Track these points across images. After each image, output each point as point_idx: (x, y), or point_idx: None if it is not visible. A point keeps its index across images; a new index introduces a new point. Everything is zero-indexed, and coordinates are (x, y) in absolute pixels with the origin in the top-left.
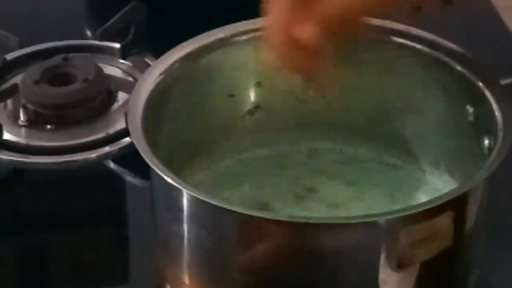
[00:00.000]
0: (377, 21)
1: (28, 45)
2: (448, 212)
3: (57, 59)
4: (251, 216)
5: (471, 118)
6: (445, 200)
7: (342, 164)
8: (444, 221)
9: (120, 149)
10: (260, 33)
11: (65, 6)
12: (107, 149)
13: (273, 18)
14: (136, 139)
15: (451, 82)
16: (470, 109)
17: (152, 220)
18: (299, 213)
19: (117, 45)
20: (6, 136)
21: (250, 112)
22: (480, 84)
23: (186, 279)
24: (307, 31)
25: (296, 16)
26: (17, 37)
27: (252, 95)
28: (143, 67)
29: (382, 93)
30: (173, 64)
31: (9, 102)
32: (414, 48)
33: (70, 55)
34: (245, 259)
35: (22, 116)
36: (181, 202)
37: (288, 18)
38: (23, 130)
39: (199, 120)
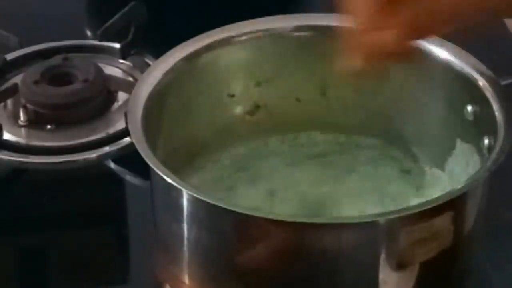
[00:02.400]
0: None
1: (28, 45)
2: (448, 212)
3: (57, 59)
4: (251, 216)
5: (471, 118)
6: (445, 200)
7: (342, 164)
8: (444, 221)
9: (120, 149)
10: (260, 33)
11: (65, 6)
12: (107, 149)
13: (357, 20)
14: (136, 139)
15: (451, 82)
16: (470, 109)
17: (152, 220)
18: (298, 212)
19: (117, 45)
20: (6, 136)
21: (250, 112)
22: (480, 84)
23: (186, 279)
24: (391, 36)
25: (381, 20)
26: (17, 37)
27: (252, 95)
28: (143, 67)
29: (381, 93)
30: (173, 64)
31: (9, 102)
32: (413, 48)
33: (70, 55)
34: (245, 259)
35: (22, 116)
36: (181, 202)
37: (373, 22)
38: (23, 130)
39: (199, 120)
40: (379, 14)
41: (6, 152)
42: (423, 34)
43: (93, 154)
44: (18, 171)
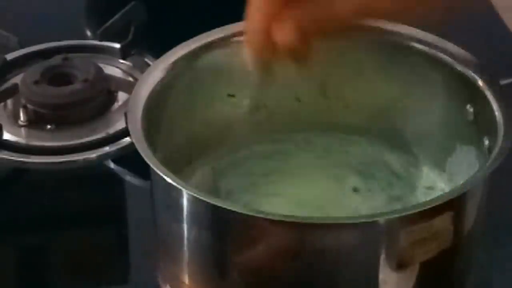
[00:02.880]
0: (376, 22)
1: (28, 45)
2: (448, 212)
3: (57, 59)
4: (251, 216)
5: (471, 118)
6: (445, 200)
7: (342, 163)
8: (444, 221)
9: (120, 149)
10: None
11: (65, 6)
12: (107, 149)
13: (253, 19)
14: (136, 139)
15: (451, 82)
16: (470, 109)
17: (152, 220)
18: (298, 213)
19: (117, 45)
20: (6, 136)
21: (250, 112)
22: (480, 84)
23: (186, 279)
24: (285, 35)
25: (276, 19)
26: (17, 37)
27: (252, 95)
28: (143, 67)
29: (382, 93)
30: (173, 64)
31: (9, 102)
32: (413, 48)
33: (70, 55)
34: (245, 259)
35: (22, 116)
36: (181, 202)
37: (268, 21)
38: (23, 130)
39: (199, 120)
40: (277, 11)
41: (6, 152)
42: (317, 33)
43: (93, 154)
44: (18, 171)
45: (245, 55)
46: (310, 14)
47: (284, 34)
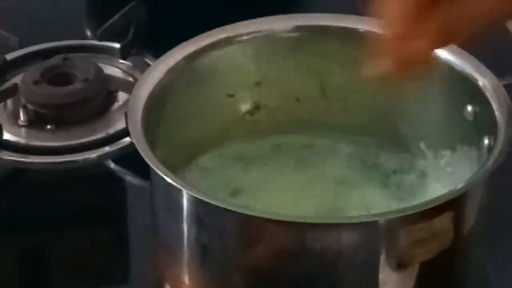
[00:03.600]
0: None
1: (28, 45)
2: (448, 212)
3: (57, 59)
4: (251, 216)
5: (471, 118)
6: (445, 200)
7: (342, 164)
8: (444, 221)
9: (120, 149)
10: (260, 33)
11: (65, 6)
12: (107, 149)
13: (391, 26)
14: (136, 139)
15: (451, 82)
16: (470, 109)
17: (152, 220)
18: (298, 213)
19: (117, 45)
20: (6, 136)
21: (250, 112)
22: (480, 84)
23: (186, 279)
24: (423, 45)
25: (413, 26)
26: (17, 37)
27: (252, 95)
28: (143, 67)
29: (382, 93)
30: (173, 64)
31: (9, 102)
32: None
33: (70, 55)
34: (245, 259)
35: (22, 116)
36: (181, 202)
37: (405, 28)
38: (23, 130)
39: (199, 120)
40: (411, 20)
41: (6, 152)
42: (453, 40)
43: (93, 154)
44: (18, 171)
45: (372, 57)
46: (453, 17)
47: (420, 43)
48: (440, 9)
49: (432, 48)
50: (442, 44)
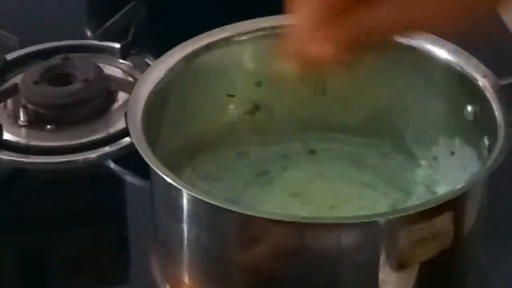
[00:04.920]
0: None
1: (28, 45)
2: (448, 212)
3: (57, 59)
4: (251, 216)
5: (471, 118)
6: (445, 200)
7: (342, 164)
8: (444, 221)
9: (120, 149)
10: (260, 33)
11: (65, 6)
12: (107, 149)
13: (297, 25)
14: (136, 139)
15: (451, 82)
16: (470, 109)
17: (152, 220)
18: (298, 213)
19: (117, 45)
20: (6, 136)
21: (250, 112)
22: (480, 84)
23: (186, 279)
24: (327, 50)
25: (321, 29)
26: (17, 37)
27: (252, 95)
28: (143, 67)
29: (382, 93)
30: (173, 64)
31: (9, 102)
32: (414, 48)
33: (70, 55)
34: (245, 259)
35: (22, 116)
36: (181, 202)
37: (312, 31)
38: (23, 130)
39: (199, 120)
40: (323, 22)
41: (6, 152)
42: (356, 48)
43: (93, 154)
44: (18, 171)
45: (278, 51)
46: (357, 24)
47: (327, 47)
48: (349, 16)
49: (337, 53)
50: (346, 51)
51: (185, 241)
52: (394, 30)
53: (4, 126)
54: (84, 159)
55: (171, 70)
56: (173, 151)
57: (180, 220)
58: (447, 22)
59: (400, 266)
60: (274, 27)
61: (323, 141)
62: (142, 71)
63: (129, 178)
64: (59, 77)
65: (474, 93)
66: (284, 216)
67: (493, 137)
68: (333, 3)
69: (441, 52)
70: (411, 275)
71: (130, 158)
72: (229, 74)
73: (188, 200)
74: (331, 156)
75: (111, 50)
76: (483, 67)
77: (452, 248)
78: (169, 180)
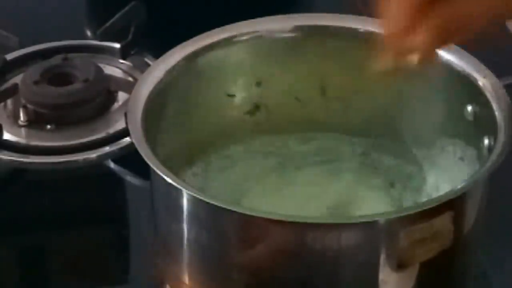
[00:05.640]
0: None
1: (28, 45)
2: (448, 212)
3: (57, 59)
4: (251, 216)
5: (471, 118)
6: (445, 200)
7: (342, 164)
8: (444, 221)
9: (120, 149)
10: (260, 33)
11: (65, 6)
12: (107, 149)
13: (391, 23)
14: (136, 139)
15: (451, 82)
16: (470, 109)
17: (152, 220)
18: (298, 213)
19: (117, 45)
20: (6, 136)
21: (250, 112)
22: (480, 84)
23: (186, 279)
24: (422, 42)
25: (414, 23)
26: (17, 37)
27: (252, 95)
28: (143, 67)
29: (382, 93)
30: (173, 64)
31: (9, 102)
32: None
33: (70, 55)
34: (245, 259)
35: (22, 116)
36: (181, 202)
37: (406, 25)
38: (23, 130)
39: (199, 120)
40: (411, 18)
41: (6, 152)
42: (452, 38)
43: (93, 154)
44: (18, 171)
45: (375, 55)
46: (453, 14)
47: (425, 38)
48: (440, 7)
49: (432, 45)
50: (441, 42)
51: (185, 241)
52: (484, 18)
53: (4, 126)
54: (84, 159)
55: (171, 70)
56: (173, 151)
57: (180, 220)
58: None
59: (400, 266)
60: (274, 27)
61: (323, 141)
62: (142, 71)
63: (129, 178)
64: (59, 77)
65: (474, 93)
66: (284, 216)
67: (493, 137)
68: None
69: (441, 52)
70: (411, 275)
71: (130, 158)
72: (229, 74)
73: (188, 200)
74: (331, 156)
75: (111, 50)
76: (483, 67)
77: (452, 248)
78: (169, 180)
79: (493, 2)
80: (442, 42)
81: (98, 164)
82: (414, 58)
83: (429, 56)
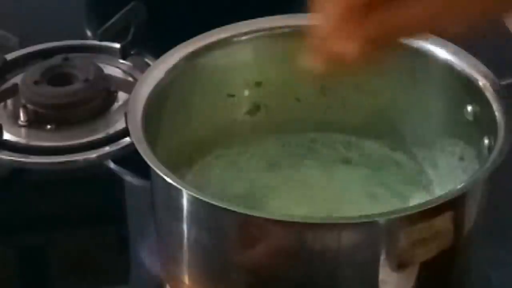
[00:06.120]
0: None
1: (28, 45)
2: (448, 212)
3: (57, 59)
4: (251, 216)
5: (471, 118)
6: (445, 200)
7: (342, 164)
8: (444, 221)
9: (120, 149)
10: (260, 33)
11: (65, 6)
12: (107, 149)
13: (321, 25)
14: (136, 139)
15: (451, 82)
16: (470, 109)
17: (152, 220)
18: (298, 213)
19: (117, 45)
20: (6, 136)
21: (250, 112)
22: (480, 84)
23: (186, 279)
24: (352, 48)
25: (345, 27)
26: (17, 37)
27: (252, 95)
28: (143, 67)
29: (381, 93)
30: (173, 64)
31: (9, 102)
32: (414, 48)
33: (70, 55)
34: (245, 259)
35: (22, 116)
36: (181, 202)
37: (337, 29)
38: (23, 130)
39: (199, 120)
40: (345, 21)
41: (6, 152)
42: (382, 45)
43: (93, 154)
44: (18, 171)
45: (306, 52)
46: (382, 22)
47: (352, 45)
48: (375, 13)
49: (362, 52)
50: (372, 48)
51: (185, 241)
52: (418, 28)
53: (4, 126)
54: (84, 159)
55: (171, 70)
56: (173, 151)
57: (180, 220)
58: (465, 22)
59: (400, 266)
60: (274, 27)
61: (323, 141)
62: (142, 71)
63: (129, 178)
64: (59, 77)
65: (474, 93)
66: (284, 216)
67: (493, 137)
68: (357, 0)
69: (441, 52)
70: (411, 275)
71: (130, 158)
72: (229, 74)
73: (188, 200)
74: (331, 156)
75: (111, 50)
76: (483, 67)
77: (452, 248)
78: (169, 180)
79: (428, 8)
80: (373, 49)
81: (98, 164)
82: (342, 61)
83: (359, 60)
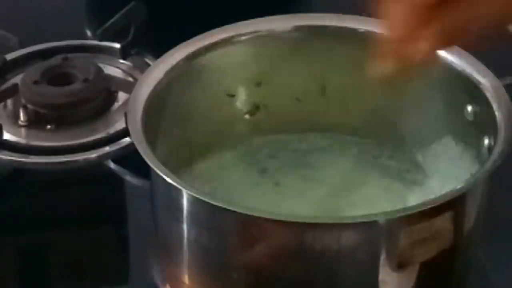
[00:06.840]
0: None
1: (28, 45)
2: (448, 212)
3: (57, 59)
4: (251, 216)
5: (471, 118)
6: (445, 200)
7: (342, 164)
8: (444, 221)
9: (120, 149)
10: (260, 33)
11: (65, 6)
12: (107, 149)
13: (393, 28)
14: (136, 139)
15: (451, 82)
16: (470, 109)
17: (152, 220)
18: (298, 213)
19: (117, 45)
20: (6, 136)
21: (250, 112)
22: (480, 84)
23: (186, 279)
24: (425, 47)
25: (417, 29)
26: (17, 37)
27: (252, 95)
28: (143, 67)
29: (382, 93)
30: (173, 64)
31: (9, 102)
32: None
33: (70, 55)
34: (245, 259)
35: (22, 116)
36: (181, 202)
37: (410, 31)
38: (23, 130)
39: (199, 120)
40: (414, 23)
41: (6, 152)
42: (454, 42)
43: (93, 154)
44: (18, 171)
45: (375, 58)
46: (456, 18)
47: (428, 43)
48: (443, 11)
49: (434, 50)
50: (443, 46)
51: (185, 241)
52: (487, 25)
53: (4, 126)
54: (84, 159)
55: (171, 70)
56: (173, 151)
57: (180, 220)
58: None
59: (400, 266)
60: (274, 27)
61: (323, 141)
62: (142, 71)
63: (129, 178)
64: (59, 77)
65: (474, 93)
66: (284, 216)
67: (493, 137)
68: (426, 1)
69: (441, 52)
70: (411, 275)
71: (130, 158)
72: (229, 74)
73: (188, 200)
74: (331, 156)
75: (111, 50)
76: (483, 67)
77: (452, 248)
78: (169, 180)
79: (497, 6)
80: (444, 46)
81: (98, 164)
82: (415, 62)
83: (430, 59)
